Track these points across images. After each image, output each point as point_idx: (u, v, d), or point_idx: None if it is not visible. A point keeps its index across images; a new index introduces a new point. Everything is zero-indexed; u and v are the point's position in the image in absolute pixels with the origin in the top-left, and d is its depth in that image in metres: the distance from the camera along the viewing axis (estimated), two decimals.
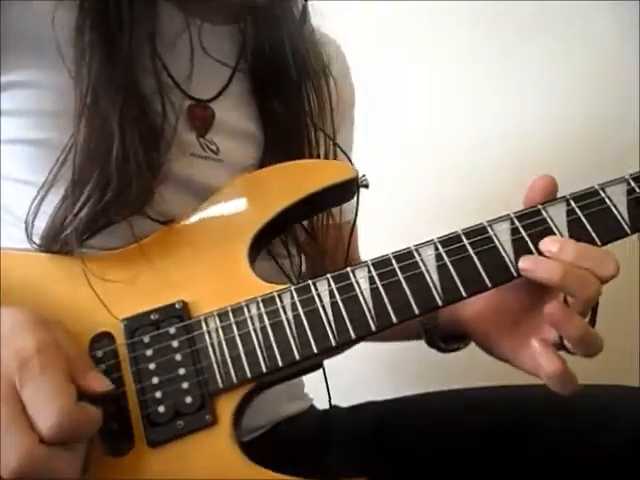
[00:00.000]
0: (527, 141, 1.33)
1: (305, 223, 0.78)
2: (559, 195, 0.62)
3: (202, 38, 0.72)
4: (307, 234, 0.78)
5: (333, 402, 0.87)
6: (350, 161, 0.76)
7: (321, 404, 0.89)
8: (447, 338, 0.77)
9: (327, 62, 0.83)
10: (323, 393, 0.82)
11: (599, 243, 0.59)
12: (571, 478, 0.69)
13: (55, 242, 0.61)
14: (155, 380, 0.57)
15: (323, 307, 0.59)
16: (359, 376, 1.27)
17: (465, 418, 0.78)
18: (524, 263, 0.58)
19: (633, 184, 0.61)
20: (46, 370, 0.48)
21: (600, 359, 1.28)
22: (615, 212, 0.60)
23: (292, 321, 0.58)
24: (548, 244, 0.58)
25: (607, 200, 0.61)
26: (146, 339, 0.58)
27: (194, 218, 0.65)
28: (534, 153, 1.31)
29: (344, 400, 0.88)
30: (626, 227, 0.60)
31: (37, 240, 0.62)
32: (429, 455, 0.76)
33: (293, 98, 0.78)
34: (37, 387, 0.47)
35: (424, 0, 1.36)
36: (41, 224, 0.62)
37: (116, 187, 0.60)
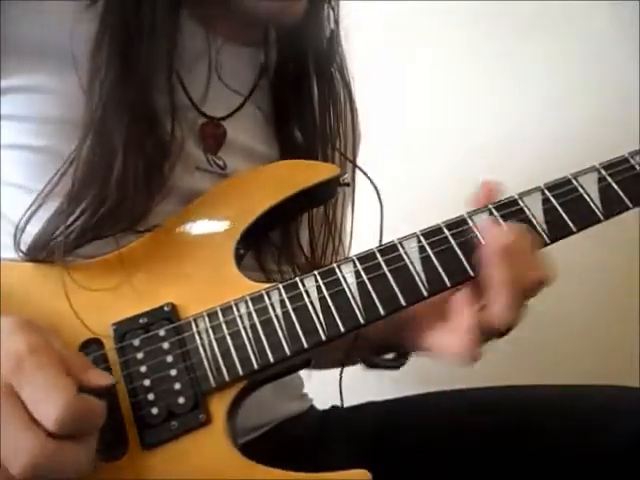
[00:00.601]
0: (527, 141, 1.34)
1: (305, 246, 0.79)
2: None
3: (223, 57, 0.72)
4: (306, 259, 0.79)
5: (333, 402, 0.87)
6: (374, 185, 0.75)
7: (321, 404, 0.89)
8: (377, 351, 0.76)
9: (350, 82, 0.83)
10: (323, 393, 0.83)
11: (575, 230, 0.61)
12: (571, 478, 0.70)
13: (43, 250, 0.61)
14: (147, 382, 0.57)
15: (311, 302, 0.59)
16: (359, 376, 1.27)
17: (465, 418, 0.78)
18: (481, 222, 0.60)
19: (603, 172, 0.63)
20: (42, 368, 0.48)
21: (600, 359, 1.28)
22: (588, 200, 0.62)
23: (281, 317, 0.59)
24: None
25: (579, 188, 0.62)
26: (136, 342, 0.58)
27: (179, 221, 0.66)
28: (534, 153, 1.31)
29: (344, 400, 0.89)
30: (599, 214, 0.61)
31: (24, 248, 0.62)
32: (430, 455, 0.76)
33: (313, 123, 0.78)
34: (36, 384, 0.47)
35: (424, 0, 1.37)
36: (32, 231, 0.62)
37: (112, 204, 0.60)
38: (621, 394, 0.76)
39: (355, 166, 0.81)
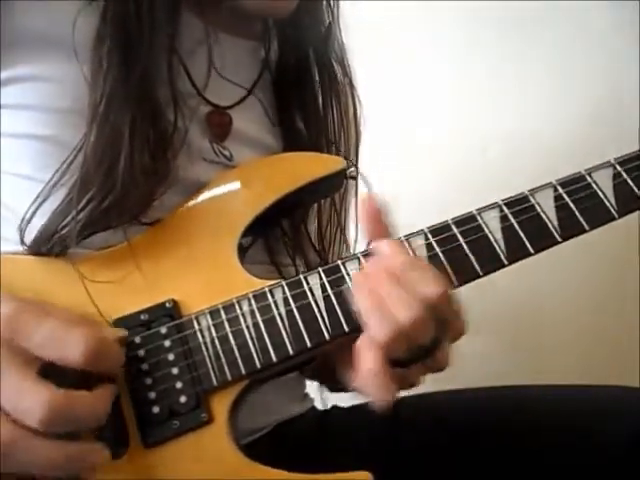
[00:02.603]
0: (527, 141, 1.34)
1: (314, 238, 0.78)
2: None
3: (223, 49, 0.72)
4: (316, 251, 0.78)
5: (333, 402, 0.87)
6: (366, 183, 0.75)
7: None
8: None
9: (352, 75, 0.83)
10: (323, 393, 0.82)
11: (587, 228, 0.60)
12: (571, 478, 0.69)
13: (48, 242, 0.60)
14: (148, 381, 0.56)
15: (315, 301, 0.58)
16: None
17: (465, 418, 0.78)
18: (374, 242, 0.58)
19: (619, 168, 0.62)
20: (42, 318, 0.49)
21: (600, 359, 1.29)
22: (602, 197, 0.61)
23: (284, 316, 0.58)
24: (382, 248, 0.58)
25: (594, 185, 0.61)
26: (137, 340, 0.57)
27: (182, 214, 0.65)
28: (534, 153, 1.32)
29: (344, 400, 0.88)
30: (613, 212, 0.60)
31: (28, 241, 0.61)
32: (429, 455, 0.75)
33: (316, 116, 0.78)
34: (45, 331, 0.48)
35: (425, 0, 1.37)
36: (37, 224, 0.61)
37: (118, 194, 0.59)
38: (621, 394, 0.75)
39: (355, 166, 0.81)
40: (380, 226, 0.60)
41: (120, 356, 0.52)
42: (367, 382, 0.54)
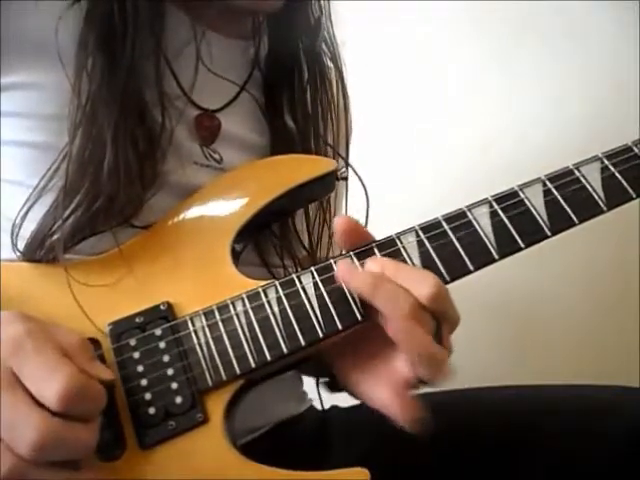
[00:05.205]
0: (527, 141, 1.34)
1: (305, 240, 0.78)
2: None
3: (212, 48, 0.72)
4: (306, 251, 0.79)
5: (333, 402, 0.87)
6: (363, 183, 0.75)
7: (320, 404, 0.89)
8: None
9: (343, 69, 0.83)
10: (323, 393, 0.82)
11: (577, 222, 0.60)
12: (571, 478, 0.69)
13: (39, 249, 0.60)
14: (144, 382, 0.57)
15: (308, 299, 0.59)
16: None
17: (464, 418, 0.78)
18: (340, 271, 0.58)
19: (606, 162, 0.62)
20: (41, 348, 0.48)
21: (600, 359, 1.29)
22: (591, 190, 0.61)
23: (278, 315, 0.58)
24: (370, 265, 0.58)
25: (582, 179, 0.61)
26: (132, 342, 0.58)
27: (175, 218, 0.65)
28: (534, 153, 1.32)
29: (344, 400, 0.88)
30: (602, 205, 0.60)
31: (21, 247, 0.61)
32: (429, 455, 0.75)
33: (305, 111, 0.78)
34: (36, 364, 0.47)
35: (423, 0, 1.37)
36: (28, 229, 0.61)
37: (105, 197, 0.60)
38: (622, 394, 0.75)
39: (346, 163, 0.81)
40: (360, 240, 0.61)
41: (100, 402, 0.50)
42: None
